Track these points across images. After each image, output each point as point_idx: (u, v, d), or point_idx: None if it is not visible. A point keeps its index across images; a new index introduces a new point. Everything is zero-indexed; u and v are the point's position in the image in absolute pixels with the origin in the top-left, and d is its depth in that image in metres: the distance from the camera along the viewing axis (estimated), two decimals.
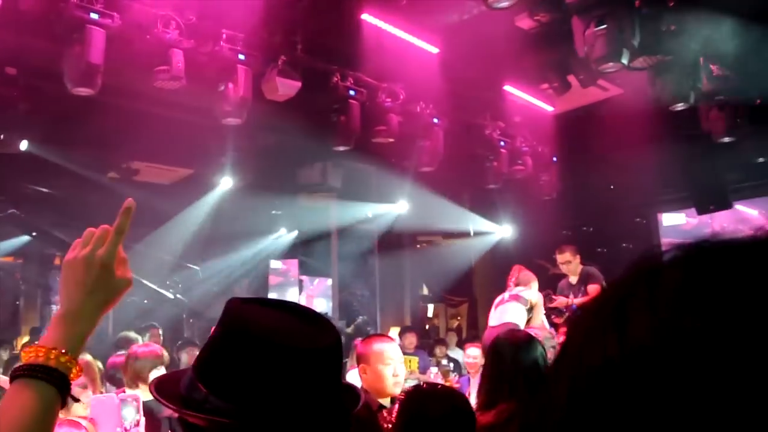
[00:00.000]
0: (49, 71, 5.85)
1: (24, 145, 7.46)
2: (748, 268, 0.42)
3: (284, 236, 11.19)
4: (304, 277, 10.64)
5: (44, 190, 8.91)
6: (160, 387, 1.14)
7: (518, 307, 5.88)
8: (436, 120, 7.58)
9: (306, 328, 1.09)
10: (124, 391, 3.96)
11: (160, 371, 3.99)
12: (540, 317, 5.96)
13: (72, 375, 1.06)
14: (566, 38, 6.42)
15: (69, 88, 5.28)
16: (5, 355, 8.46)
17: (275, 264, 10.84)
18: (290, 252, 10.92)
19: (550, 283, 7.46)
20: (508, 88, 7.97)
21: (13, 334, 11.95)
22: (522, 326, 5.47)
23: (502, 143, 8.44)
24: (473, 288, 11.62)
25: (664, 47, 6.06)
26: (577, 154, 9.10)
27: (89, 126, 7.10)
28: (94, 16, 5.08)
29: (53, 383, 1.03)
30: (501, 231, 10.73)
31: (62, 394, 1.05)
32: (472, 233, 10.68)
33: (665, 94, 6.69)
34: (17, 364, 1.07)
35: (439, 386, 2.52)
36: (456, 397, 2.26)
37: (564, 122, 8.69)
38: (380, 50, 6.52)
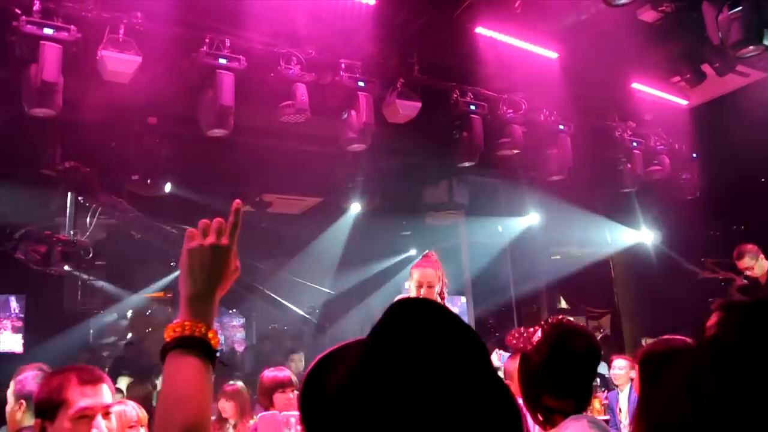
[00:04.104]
0: (185, 117, 6.25)
1: (168, 187, 7.99)
2: None
3: (414, 256, 11.20)
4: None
5: (187, 227, 9.49)
6: None
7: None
8: (561, 126, 7.32)
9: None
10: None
11: (284, 393, 4.33)
12: None
13: (213, 344, 1.21)
14: (695, 26, 6.03)
15: (204, 131, 5.60)
16: (159, 381, 9.08)
17: (407, 285, 10.84)
18: None
19: (703, 288, 6.94)
20: (636, 85, 7.58)
21: None
22: None
23: (634, 144, 8.01)
24: (614, 298, 11.07)
25: None
26: (720, 147, 8.46)
27: (223, 164, 7.50)
28: (222, 61, 5.38)
29: (203, 351, 1.19)
30: (641, 237, 10.15)
31: (211, 361, 1.20)
32: (609, 241, 10.18)
33: None
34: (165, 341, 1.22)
35: (581, 324, 2.43)
36: (594, 338, 2.33)
37: (701, 115, 8.14)
38: (497, 62, 6.43)
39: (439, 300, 4.01)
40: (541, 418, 2.15)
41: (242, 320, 13.63)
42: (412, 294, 4.04)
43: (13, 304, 11.20)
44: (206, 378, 1.19)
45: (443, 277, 4.13)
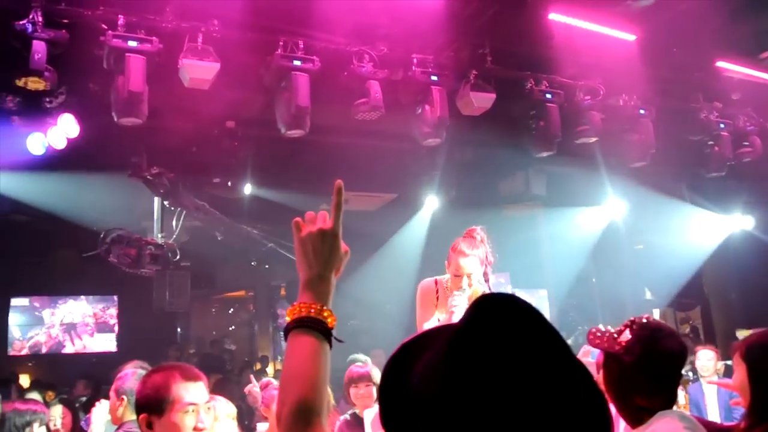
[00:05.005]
0: (262, 119, 6.39)
1: (248, 189, 8.20)
2: None
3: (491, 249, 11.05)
4: (516, 290, 10.45)
5: (266, 227, 9.73)
6: None
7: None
8: (642, 111, 7.06)
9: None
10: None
11: (357, 389, 4.42)
12: None
13: (329, 323, 1.29)
14: None
15: (282, 132, 5.70)
16: (246, 380, 9.31)
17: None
18: (500, 265, 10.76)
19: None
20: (721, 64, 7.21)
21: (252, 360, 13.13)
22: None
23: (721, 125, 7.63)
24: (704, 288, 10.62)
25: None
26: None
27: (301, 164, 7.64)
28: (297, 62, 5.47)
29: (320, 330, 1.28)
30: (731, 223, 9.68)
31: (328, 339, 1.29)
32: (696, 228, 9.77)
33: None
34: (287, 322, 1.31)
35: (664, 323, 2.40)
36: (681, 336, 2.34)
37: None
38: (572, 48, 6.26)
39: (483, 284, 3.72)
40: (630, 417, 2.18)
41: None
42: (449, 279, 3.66)
43: (116, 298, 11.89)
44: (320, 355, 1.27)
45: (489, 256, 3.73)
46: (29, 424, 3.45)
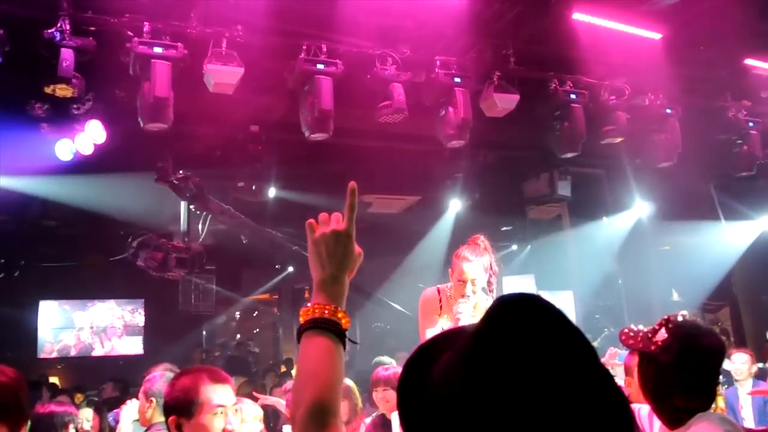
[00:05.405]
0: (286, 123, 6.42)
1: (272, 192, 8.24)
2: None
3: (516, 252, 11.00)
4: (541, 292, 10.36)
5: (290, 230, 9.79)
6: None
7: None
8: (669, 110, 6.98)
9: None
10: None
11: (377, 392, 4.37)
12: None
13: (343, 324, 1.28)
14: None
15: (306, 136, 5.73)
16: (270, 383, 9.33)
17: (509, 281, 10.68)
18: (524, 267, 10.71)
19: None
20: (749, 61, 7.10)
21: (276, 363, 13.20)
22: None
23: (750, 124, 7.50)
24: (733, 289, 10.44)
25: None
26: None
27: (324, 167, 7.66)
28: (320, 66, 5.49)
29: (334, 331, 1.27)
30: (762, 223, 9.50)
31: (342, 340, 1.28)
32: (725, 229, 9.61)
33: None
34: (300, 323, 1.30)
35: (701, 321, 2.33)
36: (719, 335, 2.26)
37: None
38: (597, 47, 6.20)
39: (487, 293, 3.66)
40: (667, 419, 2.12)
41: None
42: (452, 286, 3.62)
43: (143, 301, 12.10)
44: (335, 356, 1.25)
45: (493, 265, 3.68)
46: (65, 425, 3.52)
